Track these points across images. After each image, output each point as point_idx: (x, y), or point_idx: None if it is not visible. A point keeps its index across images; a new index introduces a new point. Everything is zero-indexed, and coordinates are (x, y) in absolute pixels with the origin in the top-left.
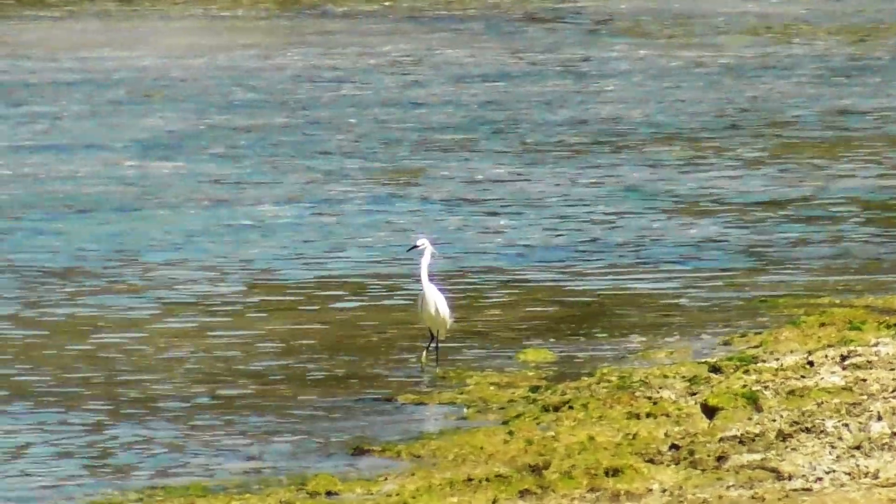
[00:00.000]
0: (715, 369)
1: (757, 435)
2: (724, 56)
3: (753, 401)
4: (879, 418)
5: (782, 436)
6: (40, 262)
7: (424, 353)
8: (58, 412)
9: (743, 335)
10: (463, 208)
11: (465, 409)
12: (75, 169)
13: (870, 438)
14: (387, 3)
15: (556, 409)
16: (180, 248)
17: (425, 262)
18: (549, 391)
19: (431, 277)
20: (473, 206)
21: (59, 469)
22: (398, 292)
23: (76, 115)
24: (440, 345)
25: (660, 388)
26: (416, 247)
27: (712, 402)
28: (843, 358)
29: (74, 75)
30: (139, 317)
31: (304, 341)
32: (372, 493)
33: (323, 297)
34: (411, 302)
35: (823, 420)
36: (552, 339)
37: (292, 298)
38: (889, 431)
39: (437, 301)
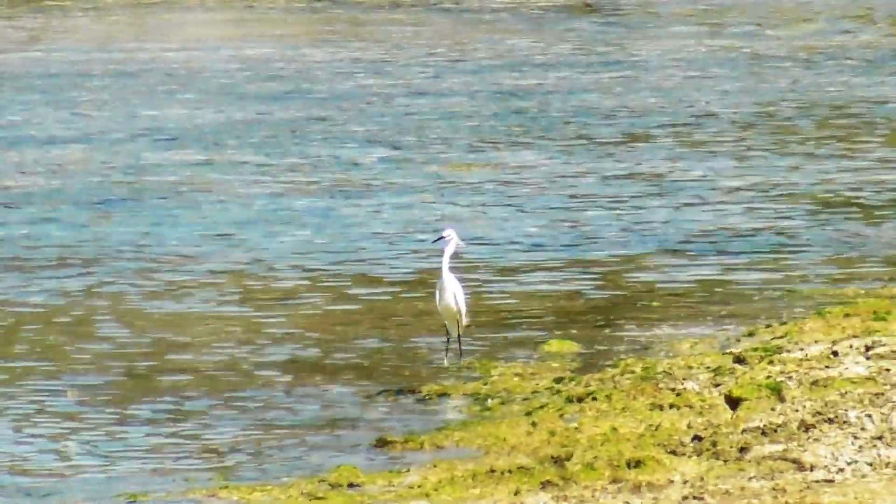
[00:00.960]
0: (739, 360)
1: (780, 426)
2: (769, 44)
3: (777, 391)
4: None
5: (805, 426)
6: (65, 253)
7: (445, 357)
8: (68, 400)
9: (768, 325)
10: (488, 198)
11: (488, 401)
12: (103, 160)
13: (892, 429)
14: None
15: (580, 400)
16: (202, 239)
17: (448, 252)
18: (573, 382)
19: (454, 269)
20: (499, 197)
21: (85, 461)
22: (424, 283)
23: (104, 105)
24: (462, 339)
25: (684, 379)
26: (442, 237)
27: (736, 392)
28: (868, 348)
29: (103, 67)
30: (161, 309)
31: (327, 332)
32: (394, 485)
33: (347, 287)
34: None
35: (846, 410)
36: (576, 330)
37: (315, 289)
38: None
39: (455, 291)
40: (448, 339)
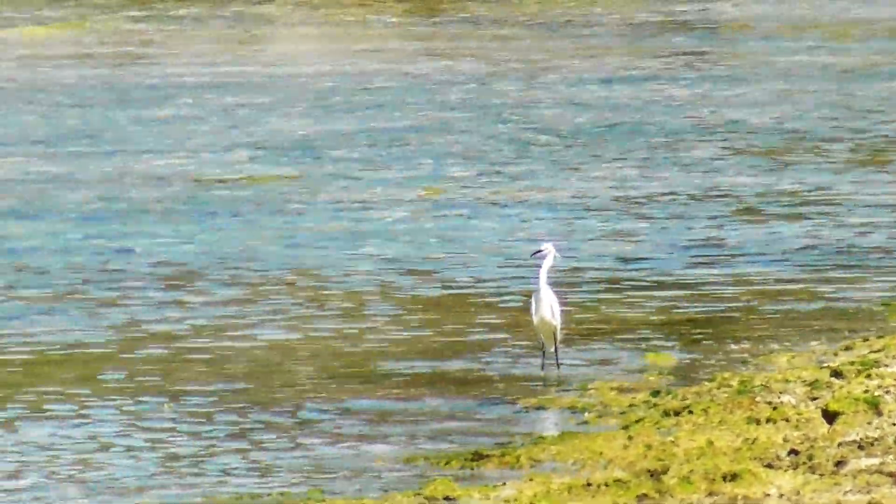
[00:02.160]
0: (836, 374)
1: (876, 439)
2: (852, 58)
3: (874, 405)
4: None
5: None
6: (154, 262)
7: (542, 370)
8: (163, 415)
9: (865, 339)
10: (585, 211)
11: (585, 414)
12: (196, 171)
13: None
14: (510, 10)
15: (677, 413)
16: (293, 250)
17: (546, 265)
18: (670, 396)
19: (551, 282)
20: (596, 210)
21: (164, 469)
22: (521, 295)
23: (196, 118)
24: (558, 352)
25: (780, 392)
26: (540, 251)
27: (833, 406)
28: None
29: (201, 80)
30: (247, 320)
31: (424, 344)
32: (490, 498)
33: (444, 300)
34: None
35: None
36: (674, 343)
37: (412, 302)
38: None
39: (552, 304)
40: (544, 353)
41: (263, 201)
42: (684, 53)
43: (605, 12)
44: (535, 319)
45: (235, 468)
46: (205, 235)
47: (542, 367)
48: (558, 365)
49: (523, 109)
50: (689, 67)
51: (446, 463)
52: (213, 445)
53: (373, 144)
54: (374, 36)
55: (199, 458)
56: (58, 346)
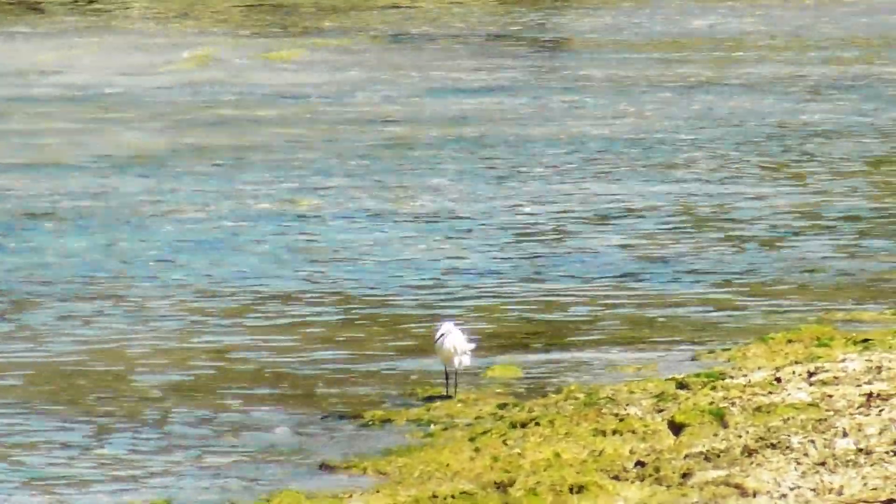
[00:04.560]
0: (682, 385)
1: (722, 451)
2: (686, 72)
3: (720, 417)
4: (845, 434)
5: (748, 452)
6: (7, 279)
7: (446, 390)
8: (9, 425)
9: (711, 351)
10: (431, 224)
11: (431, 426)
12: (45, 186)
13: (835, 455)
14: (353, 22)
15: (523, 425)
16: (148, 263)
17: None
18: (517, 408)
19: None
20: (441, 223)
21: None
22: (372, 309)
23: (43, 132)
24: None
25: (627, 404)
26: (442, 335)
27: (679, 418)
28: (811, 374)
29: (39, 91)
30: (94, 335)
31: (272, 358)
32: None
33: (292, 313)
34: (385, 320)
35: (789, 436)
36: (520, 356)
37: (259, 314)
38: (854, 448)
39: (456, 343)
40: (447, 377)
41: (111, 216)
42: (528, 67)
43: (454, 25)
44: (441, 353)
45: (82, 479)
46: (48, 250)
47: (447, 386)
48: (455, 387)
49: (374, 123)
50: (533, 80)
51: (293, 474)
52: (47, 455)
53: (220, 159)
54: (214, 44)
55: (32, 469)
56: None
